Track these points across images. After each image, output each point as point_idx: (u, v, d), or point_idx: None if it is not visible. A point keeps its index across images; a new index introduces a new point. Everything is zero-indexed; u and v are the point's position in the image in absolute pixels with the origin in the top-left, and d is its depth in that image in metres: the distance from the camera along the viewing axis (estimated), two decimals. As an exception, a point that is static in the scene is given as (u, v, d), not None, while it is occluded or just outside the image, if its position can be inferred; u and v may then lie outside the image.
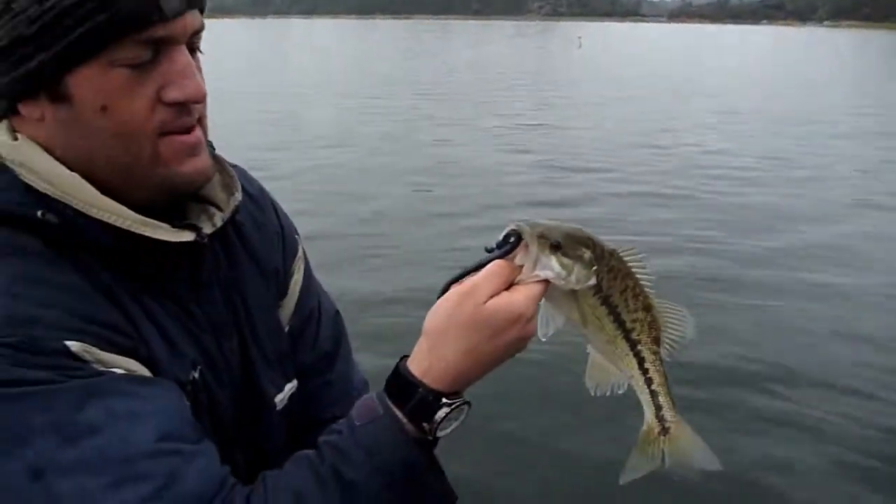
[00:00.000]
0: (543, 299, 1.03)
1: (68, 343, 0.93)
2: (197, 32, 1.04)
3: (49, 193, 1.00)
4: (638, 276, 1.06)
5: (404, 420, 0.98)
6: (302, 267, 1.35)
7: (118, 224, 1.01)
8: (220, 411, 1.13)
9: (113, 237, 1.02)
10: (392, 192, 9.65)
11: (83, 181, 1.01)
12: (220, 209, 1.15)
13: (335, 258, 6.46)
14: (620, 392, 1.11)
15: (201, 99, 1.04)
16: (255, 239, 1.26)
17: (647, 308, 1.08)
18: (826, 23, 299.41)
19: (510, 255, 1.00)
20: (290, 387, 1.29)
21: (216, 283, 1.17)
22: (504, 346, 0.99)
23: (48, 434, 0.86)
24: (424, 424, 0.99)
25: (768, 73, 31.88)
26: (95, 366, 0.93)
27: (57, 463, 0.86)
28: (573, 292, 1.03)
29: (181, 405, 0.99)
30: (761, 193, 10.07)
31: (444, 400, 0.98)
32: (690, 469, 1.11)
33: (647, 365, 1.09)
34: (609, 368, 1.10)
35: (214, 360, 1.13)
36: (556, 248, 1.00)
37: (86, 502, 0.86)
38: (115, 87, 0.98)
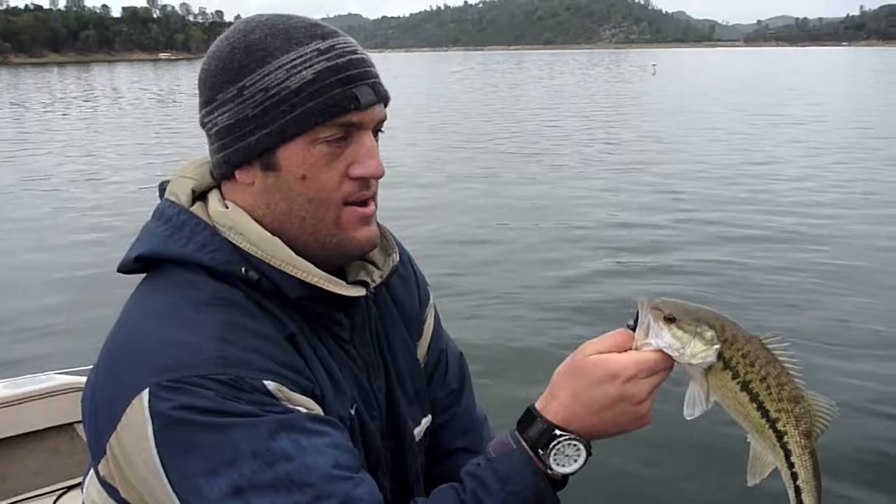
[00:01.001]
0: (693, 382, 1.07)
1: (266, 382, 1.05)
2: (381, 122, 1.20)
3: (251, 252, 1.16)
4: (784, 364, 1.05)
5: (532, 454, 1.07)
6: (433, 313, 1.49)
7: (307, 279, 1.17)
8: (370, 443, 1.26)
9: (302, 290, 1.18)
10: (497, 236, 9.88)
11: (281, 243, 1.17)
12: (376, 266, 1.31)
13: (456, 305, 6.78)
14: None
15: (380, 176, 1.19)
16: (398, 288, 1.41)
17: (796, 399, 1.06)
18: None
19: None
20: (426, 421, 1.42)
21: (367, 327, 1.32)
22: (605, 400, 1.05)
23: (250, 458, 1.00)
24: (540, 451, 1.07)
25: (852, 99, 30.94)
26: (285, 403, 1.06)
27: (256, 483, 0.99)
28: (705, 373, 1.05)
29: (347, 440, 1.11)
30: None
31: (556, 431, 1.06)
32: None
33: (793, 459, 1.08)
34: (766, 457, 1.10)
35: (367, 397, 1.27)
36: (670, 320, 1.03)
37: None
38: (315, 161, 1.16)
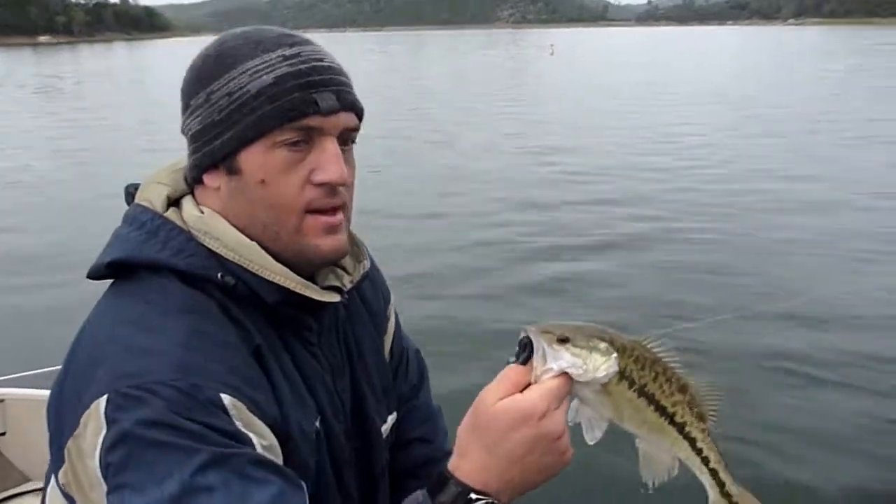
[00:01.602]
0: (578, 403, 1.04)
1: (223, 396, 1.02)
2: (350, 130, 1.19)
3: (228, 258, 1.16)
4: (666, 360, 1.06)
5: None
6: (394, 311, 1.51)
7: (284, 284, 1.17)
8: (335, 446, 1.25)
9: (279, 295, 1.17)
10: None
11: (258, 247, 1.17)
12: (346, 271, 1.31)
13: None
14: (675, 475, 1.09)
15: (342, 182, 1.17)
16: (367, 289, 1.42)
17: (683, 389, 1.07)
18: (791, 21, 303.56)
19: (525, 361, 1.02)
20: (392, 418, 1.43)
21: (334, 329, 1.31)
22: (523, 446, 0.97)
23: (175, 485, 0.94)
24: None
25: (738, 74, 32.49)
26: (237, 423, 1.03)
27: None
28: (603, 389, 1.02)
29: (290, 487, 1.02)
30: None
31: (472, 496, 0.98)
32: None
33: (699, 445, 1.08)
34: (660, 457, 1.09)
35: (332, 400, 1.26)
36: (563, 340, 1.00)
37: None
38: (275, 165, 1.14)
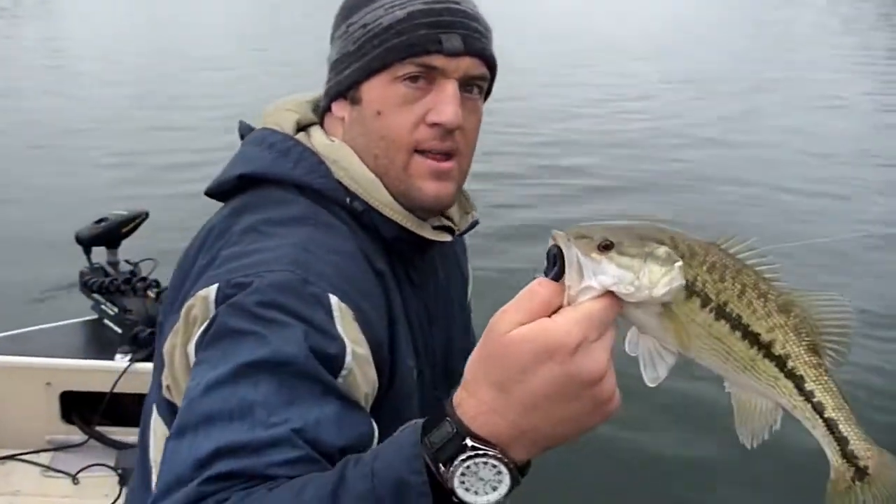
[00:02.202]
0: (636, 332, 0.80)
1: (331, 296, 1.02)
2: (475, 78, 1.21)
3: (350, 188, 1.19)
4: (757, 268, 0.80)
5: (422, 445, 0.78)
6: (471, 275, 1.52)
7: (401, 222, 1.20)
8: (426, 389, 1.24)
9: (397, 232, 1.21)
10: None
11: (380, 183, 1.19)
12: (453, 223, 1.31)
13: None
14: (777, 428, 0.83)
15: (455, 125, 1.17)
16: (458, 251, 1.47)
17: (786, 308, 0.80)
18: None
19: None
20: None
21: (432, 279, 1.33)
22: (547, 388, 0.74)
23: (230, 367, 0.92)
24: (441, 466, 0.76)
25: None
26: (338, 327, 1.00)
27: (218, 384, 0.91)
28: (666, 311, 0.77)
29: (351, 419, 0.94)
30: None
31: (468, 441, 0.76)
32: None
33: (808, 386, 0.80)
34: (761, 405, 0.82)
35: (426, 341, 1.27)
36: (606, 247, 0.75)
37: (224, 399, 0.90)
38: (392, 98, 1.18)
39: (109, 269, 3.28)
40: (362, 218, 1.20)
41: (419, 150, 1.19)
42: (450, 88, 1.18)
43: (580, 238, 0.76)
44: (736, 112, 12.45)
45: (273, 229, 1.11)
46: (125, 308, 3.04)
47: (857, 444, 0.81)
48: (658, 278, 0.75)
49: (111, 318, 3.09)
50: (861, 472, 0.82)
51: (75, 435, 2.90)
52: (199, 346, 1.00)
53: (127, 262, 3.35)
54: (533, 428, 0.77)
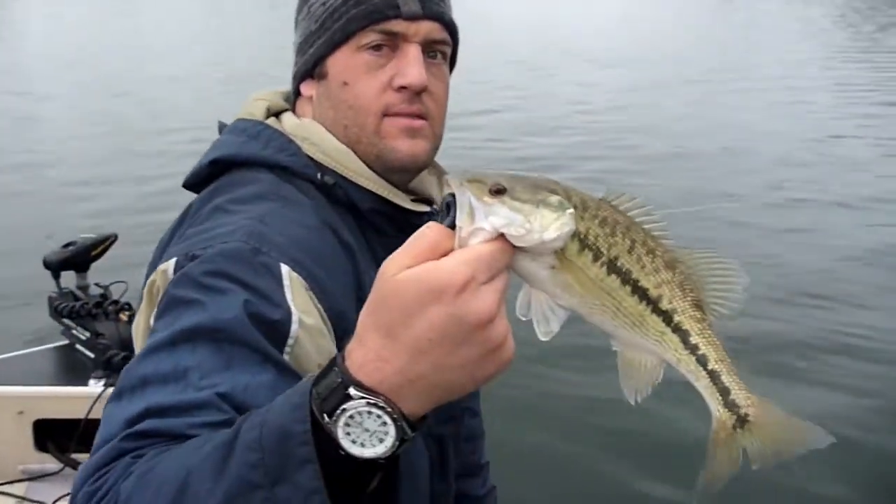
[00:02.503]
0: (528, 289, 0.79)
1: (282, 266, 1.02)
2: (436, 42, 1.23)
3: (324, 163, 1.21)
4: (645, 224, 0.80)
5: (309, 395, 0.75)
6: None
7: (375, 190, 1.22)
8: None
9: (372, 202, 1.22)
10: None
11: (352, 154, 1.21)
12: (434, 201, 1.31)
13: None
14: (659, 384, 0.84)
15: (421, 86, 1.19)
16: None
17: (672, 265, 0.81)
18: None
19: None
20: None
21: None
22: (432, 331, 0.71)
23: (168, 334, 0.95)
24: (325, 416, 0.73)
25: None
26: (287, 293, 1.00)
27: (157, 347, 0.94)
28: (559, 262, 0.77)
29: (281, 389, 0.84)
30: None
31: (351, 390, 0.72)
32: (792, 456, 0.84)
33: (693, 339, 0.81)
34: (645, 361, 0.83)
35: None
36: (499, 192, 0.74)
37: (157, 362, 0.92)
38: (357, 66, 1.20)
39: (79, 294, 3.24)
40: (335, 192, 1.21)
41: (389, 115, 1.21)
42: (412, 51, 1.21)
43: (473, 182, 0.75)
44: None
45: (236, 206, 1.13)
46: (97, 332, 3.00)
47: (739, 394, 0.83)
48: (549, 222, 0.75)
49: (83, 343, 3.04)
50: (742, 420, 0.84)
51: (50, 463, 2.84)
52: (156, 316, 1.01)
53: (97, 285, 3.31)
54: (422, 375, 0.73)
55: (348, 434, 0.73)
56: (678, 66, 17.53)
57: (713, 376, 0.83)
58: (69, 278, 3.29)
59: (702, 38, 24.65)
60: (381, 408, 0.73)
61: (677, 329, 0.82)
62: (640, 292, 0.80)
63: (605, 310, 0.80)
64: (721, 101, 13.85)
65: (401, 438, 0.74)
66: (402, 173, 1.26)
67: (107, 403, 0.91)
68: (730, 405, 0.83)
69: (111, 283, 3.30)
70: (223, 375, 0.89)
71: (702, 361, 0.82)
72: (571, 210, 0.76)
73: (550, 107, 13.21)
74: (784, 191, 8.46)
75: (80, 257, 3.22)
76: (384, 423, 0.73)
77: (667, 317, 0.81)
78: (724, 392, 0.83)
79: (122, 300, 3.17)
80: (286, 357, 0.98)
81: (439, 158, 1.33)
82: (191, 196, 1.29)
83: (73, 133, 11.57)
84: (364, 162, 1.23)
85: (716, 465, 0.85)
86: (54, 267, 3.21)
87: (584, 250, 0.78)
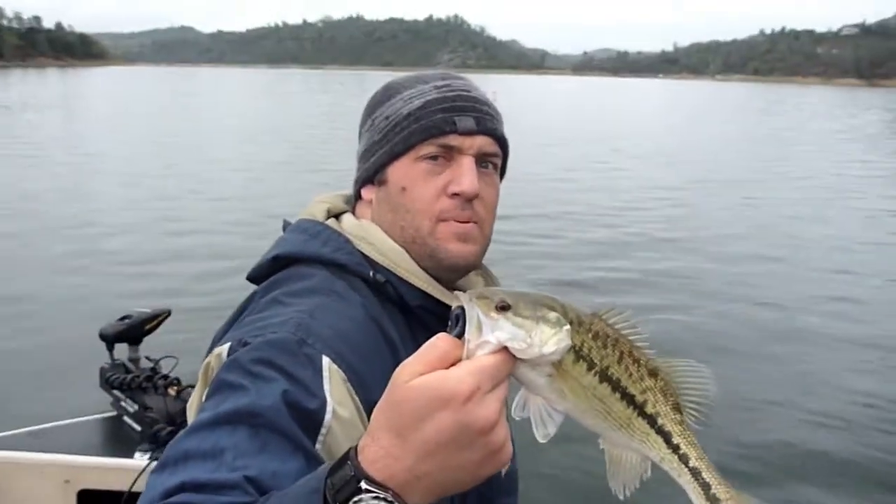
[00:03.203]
0: (526, 393, 0.87)
1: (324, 357, 1.10)
2: (488, 155, 1.33)
3: (379, 262, 1.30)
4: (630, 337, 0.89)
5: (325, 484, 0.82)
6: None
7: (425, 289, 1.29)
8: None
9: (422, 300, 1.29)
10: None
11: (406, 254, 1.30)
12: None
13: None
14: (647, 477, 0.93)
15: (473, 193, 1.28)
16: None
17: (654, 373, 0.89)
18: (718, 76, 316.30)
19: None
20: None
21: None
22: (440, 435, 0.78)
23: (210, 415, 1.01)
24: None
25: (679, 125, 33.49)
26: (325, 384, 1.08)
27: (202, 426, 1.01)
28: (556, 372, 0.84)
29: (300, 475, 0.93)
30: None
31: (363, 485, 0.79)
32: None
33: (675, 440, 0.90)
34: (630, 459, 0.91)
35: None
36: (503, 308, 0.82)
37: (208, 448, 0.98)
38: (415, 175, 1.30)
39: (130, 366, 3.32)
40: (385, 289, 1.28)
41: (443, 220, 1.30)
42: (467, 162, 1.30)
43: (481, 299, 0.83)
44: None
45: (291, 299, 1.21)
46: (145, 405, 3.06)
47: (719, 489, 0.90)
48: (548, 337, 0.82)
49: (131, 416, 3.10)
50: None
51: (92, 534, 2.86)
52: (206, 396, 1.09)
53: (147, 358, 3.39)
54: (427, 474, 0.80)
55: None
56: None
57: (694, 473, 0.90)
58: (121, 350, 3.38)
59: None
60: (390, 502, 0.80)
61: (660, 431, 0.90)
62: (628, 398, 0.89)
63: (596, 413, 0.88)
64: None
65: None
66: (451, 273, 1.34)
67: (152, 472, 0.98)
68: (711, 499, 0.90)
69: (161, 358, 3.37)
70: (256, 459, 0.96)
71: (683, 460, 0.91)
72: (568, 326, 0.84)
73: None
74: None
75: (134, 331, 3.32)
76: None
77: (651, 420, 0.90)
78: (705, 487, 0.90)
79: (172, 375, 3.23)
80: (319, 445, 1.06)
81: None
82: (247, 286, 1.38)
83: (130, 209, 12.00)
84: (416, 262, 1.31)
85: None
86: (109, 339, 3.30)
87: (578, 361, 0.86)
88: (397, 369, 0.83)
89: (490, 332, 0.81)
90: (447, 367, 0.80)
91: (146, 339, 3.41)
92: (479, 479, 0.83)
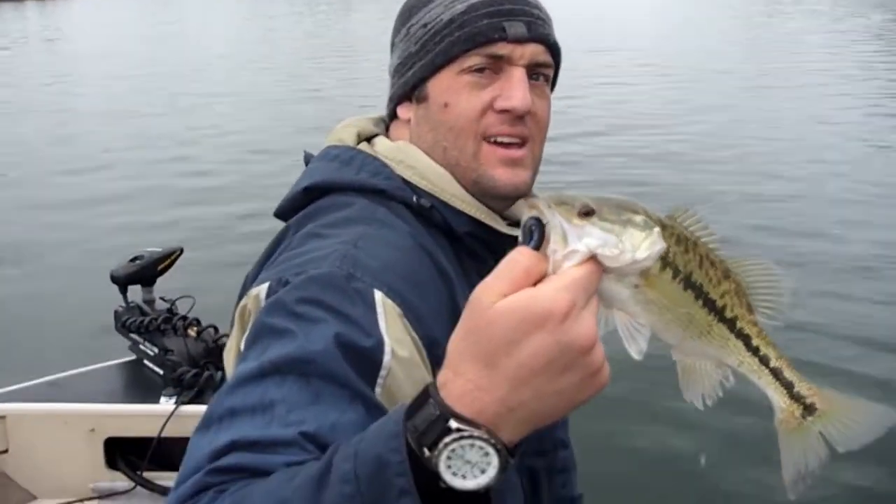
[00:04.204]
0: (605, 310, 0.80)
1: (376, 291, 1.00)
2: (541, 65, 1.20)
3: (421, 186, 1.19)
4: (703, 239, 0.85)
5: (413, 449, 0.73)
6: None
7: (473, 214, 1.19)
8: None
9: (469, 225, 1.19)
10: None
11: (450, 176, 1.19)
12: None
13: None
14: (726, 390, 0.90)
15: (525, 110, 1.16)
16: None
17: (727, 274, 0.85)
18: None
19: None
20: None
21: None
22: (538, 359, 0.71)
23: (256, 364, 0.92)
24: (426, 450, 0.72)
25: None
26: (380, 320, 0.98)
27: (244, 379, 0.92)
28: (644, 281, 0.79)
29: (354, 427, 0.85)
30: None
31: (452, 423, 0.71)
32: (869, 435, 0.90)
33: (755, 342, 0.87)
34: (705, 368, 0.88)
35: None
36: (588, 213, 0.75)
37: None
38: (458, 89, 1.18)
39: (146, 308, 3.22)
40: (431, 215, 1.18)
41: (488, 138, 1.18)
42: (517, 74, 1.17)
43: (561, 205, 0.76)
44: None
45: (330, 231, 1.11)
46: (166, 348, 2.96)
47: (802, 386, 0.90)
48: (639, 242, 0.77)
49: (151, 359, 3.02)
50: (810, 408, 0.90)
51: (121, 482, 2.82)
52: (246, 343, 0.99)
53: (163, 299, 3.28)
54: (522, 404, 0.73)
55: (449, 467, 0.72)
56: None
57: (776, 373, 0.89)
58: (135, 293, 3.27)
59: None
60: (485, 439, 0.72)
61: (740, 334, 0.87)
62: (710, 304, 0.85)
63: (679, 323, 0.84)
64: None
65: (503, 467, 0.73)
66: (501, 200, 1.23)
67: (194, 432, 0.90)
68: (795, 397, 0.90)
69: (178, 298, 3.26)
70: (310, 411, 0.88)
71: (764, 361, 0.89)
72: (658, 229, 0.78)
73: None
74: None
75: (147, 271, 3.20)
76: (486, 454, 0.72)
77: (731, 324, 0.86)
78: (787, 386, 0.89)
79: (191, 315, 3.13)
80: (378, 389, 0.96)
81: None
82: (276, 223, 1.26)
83: (131, 145, 11.75)
84: (462, 186, 1.20)
85: (794, 456, 0.91)
86: (122, 281, 3.19)
87: (665, 268, 0.80)
88: (476, 291, 0.74)
89: (577, 240, 0.74)
90: (533, 284, 0.73)
91: (159, 280, 3.29)
92: (577, 405, 0.76)
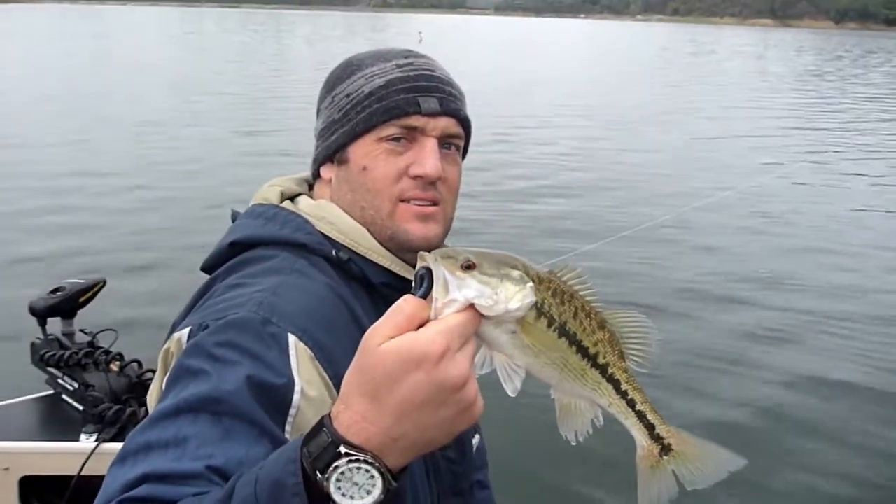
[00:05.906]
0: (488, 351, 0.90)
1: (290, 336, 1.07)
2: (451, 136, 1.30)
3: (339, 241, 1.27)
4: (581, 293, 0.94)
5: (300, 453, 0.82)
6: None
7: (389, 266, 1.27)
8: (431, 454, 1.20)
9: (384, 277, 1.27)
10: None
11: (366, 232, 1.28)
12: None
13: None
14: (598, 426, 1.00)
15: (436, 176, 1.25)
16: None
17: (602, 325, 0.95)
18: (639, 17, 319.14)
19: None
20: (477, 439, 1.47)
21: None
22: (415, 396, 0.79)
23: (171, 403, 0.99)
24: (318, 474, 0.80)
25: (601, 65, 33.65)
26: (292, 362, 1.05)
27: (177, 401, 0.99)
28: (519, 328, 0.88)
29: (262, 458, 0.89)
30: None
31: (342, 449, 0.79)
32: (713, 477, 1.01)
33: (623, 387, 0.97)
34: (580, 407, 0.97)
35: None
36: (469, 267, 0.84)
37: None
38: (377, 155, 1.27)
39: (65, 341, 3.14)
40: (349, 268, 1.26)
41: (403, 200, 1.28)
42: (430, 144, 1.27)
43: (447, 258, 0.85)
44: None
45: (251, 280, 1.18)
46: (86, 383, 2.89)
47: (661, 428, 1.01)
48: (513, 294, 0.86)
49: (71, 394, 2.94)
50: (666, 448, 1.01)
51: (36, 523, 2.73)
52: (166, 383, 1.05)
53: (83, 332, 3.21)
54: (404, 435, 0.82)
55: (339, 488, 0.80)
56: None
57: (640, 415, 1.00)
58: (54, 325, 3.19)
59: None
60: (370, 463, 0.80)
61: (611, 379, 0.97)
62: (583, 350, 0.94)
63: (554, 366, 0.93)
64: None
65: (386, 489, 0.81)
66: (412, 254, 1.26)
67: (111, 465, 0.95)
68: (655, 437, 1.01)
69: (99, 332, 3.20)
70: (220, 447, 0.94)
71: (631, 404, 0.99)
72: (531, 283, 0.88)
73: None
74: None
75: (68, 304, 3.12)
76: (372, 477, 0.81)
77: (602, 369, 0.96)
78: (649, 427, 1.00)
79: (113, 350, 3.08)
80: (288, 427, 1.04)
81: None
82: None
83: (58, 174, 11.30)
84: (378, 241, 1.29)
85: (649, 489, 1.02)
86: (41, 313, 3.10)
87: (540, 317, 0.90)
88: (366, 334, 0.83)
89: (457, 291, 0.83)
90: (416, 329, 0.82)
91: (80, 312, 3.22)
92: (453, 436, 0.85)
